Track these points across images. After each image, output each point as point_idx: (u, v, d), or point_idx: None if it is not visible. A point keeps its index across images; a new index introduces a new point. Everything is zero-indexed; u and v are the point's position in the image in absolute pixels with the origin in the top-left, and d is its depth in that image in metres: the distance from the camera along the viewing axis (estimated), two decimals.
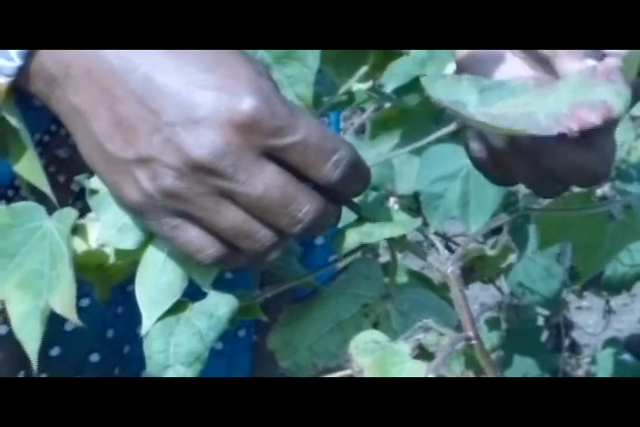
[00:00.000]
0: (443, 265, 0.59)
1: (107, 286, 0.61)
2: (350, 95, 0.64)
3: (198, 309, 0.58)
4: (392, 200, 1.85)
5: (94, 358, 0.74)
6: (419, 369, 0.56)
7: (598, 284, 1.70)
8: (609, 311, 2.18)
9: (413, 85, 1.19)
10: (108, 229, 0.58)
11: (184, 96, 0.54)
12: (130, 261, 0.59)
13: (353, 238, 0.59)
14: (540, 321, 2.07)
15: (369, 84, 0.65)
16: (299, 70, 0.59)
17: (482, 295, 2.82)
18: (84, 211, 0.60)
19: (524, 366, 1.89)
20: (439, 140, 1.34)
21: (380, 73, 0.65)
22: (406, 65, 1.17)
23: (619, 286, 1.68)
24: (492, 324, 1.92)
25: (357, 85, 0.65)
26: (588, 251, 0.74)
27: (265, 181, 0.54)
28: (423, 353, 0.57)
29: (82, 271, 0.59)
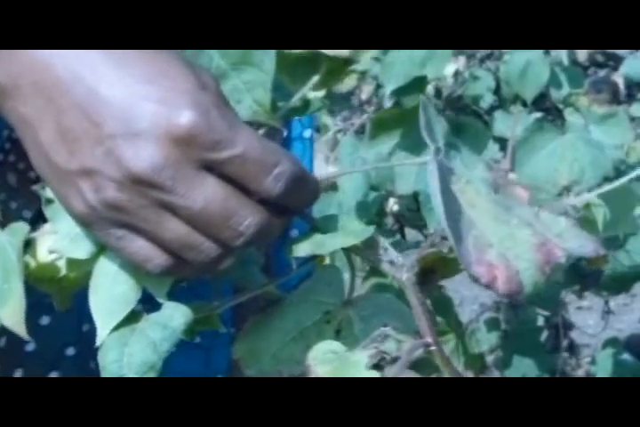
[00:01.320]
0: (398, 272, 0.59)
1: (65, 297, 0.62)
2: (306, 102, 0.65)
3: (153, 320, 0.59)
4: (392, 201, 1.85)
5: (70, 351, 0.75)
6: None
7: (598, 284, 1.70)
8: (608, 312, 2.18)
9: (413, 86, 1.19)
10: (62, 239, 0.59)
11: (125, 108, 0.54)
12: (83, 272, 0.60)
13: (305, 249, 0.60)
14: (540, 321, 2.07)
15: (323, 91, 0.65)
16: (256, 75, 0.59)
17: (482, 295, 2.82)
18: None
19: (523, 367, 1.89)
20: None
21: (334, 81, 0.65)
22: (405, 65, 1.17)
23: (618, 287, 1.68)
24: (491, 324, 1.91)
25: (313, 93, 0.65)
26: None
27: (205, 194, 0.54)
28: (386, 360, 0.57)
29: (37, 283, 0.60)
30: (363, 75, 1.63)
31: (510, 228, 0.56)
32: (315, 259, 0.63)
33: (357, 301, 0.64)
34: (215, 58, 0.59)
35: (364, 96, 1.99)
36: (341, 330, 0.63)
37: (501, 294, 0.55)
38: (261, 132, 0.60)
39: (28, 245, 0.60)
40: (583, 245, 0.57)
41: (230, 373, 0.83)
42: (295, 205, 0.57)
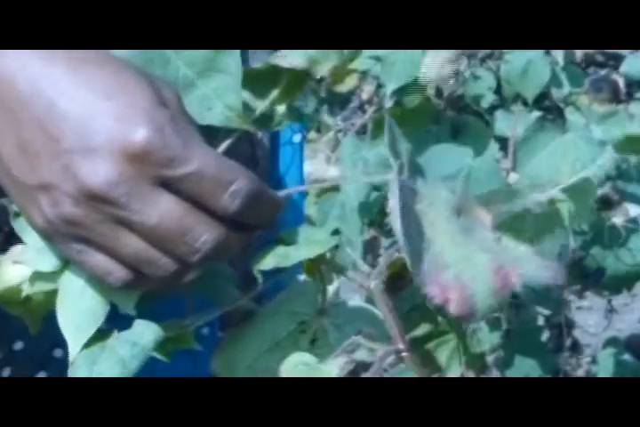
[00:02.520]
0: (365, 280, 0.59)
1: (34, 319, 0.62)
2: (269, 115, 0.65)
3: (123, 337, 0.59)
4: None
5: (58, 353, 0.75)
6: None
7: (599, 283, 1.69)
8: (610, 311, 2.18)
9: (414, 86, 1.20)
10: (29, 252, 0.59)
11: (83, 123, 0.54)
12: (49, 293, 0.60)
13: (269, 262, 0.60)
14: (541, 321, 2.07)
15: (284, 105, 0.65)
16: (224, 81, 0.60)
17: None
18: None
19: (524, 367, 1.89)
20: (440, 141, 1.34)
21: (295, 95, 0.65)
22: (406, 65, 1.17)
23: (620, 286, 1.68)
24: (493, 324, 1.91)
25: (278, 107, 0.65)
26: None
27: (160, 210, 0.55)
28: (363, 367, 0.57)
29: (6, 307, 0.61)
30: (363, 75, 1.63)
31: (468, 250, 0.57)
32: (283, 270, 0.63)
33: (330, 309, 0.64)
34: (181, 68, 0.59)
35: (364, 96, 1.99)
36: (317, 339, 0.64)
37: (453, 315, 0.56)
38: (227, 142, 0.60)
39: None
40: (542, 271, 0.58)
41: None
42: (254, 221, 0.58)
